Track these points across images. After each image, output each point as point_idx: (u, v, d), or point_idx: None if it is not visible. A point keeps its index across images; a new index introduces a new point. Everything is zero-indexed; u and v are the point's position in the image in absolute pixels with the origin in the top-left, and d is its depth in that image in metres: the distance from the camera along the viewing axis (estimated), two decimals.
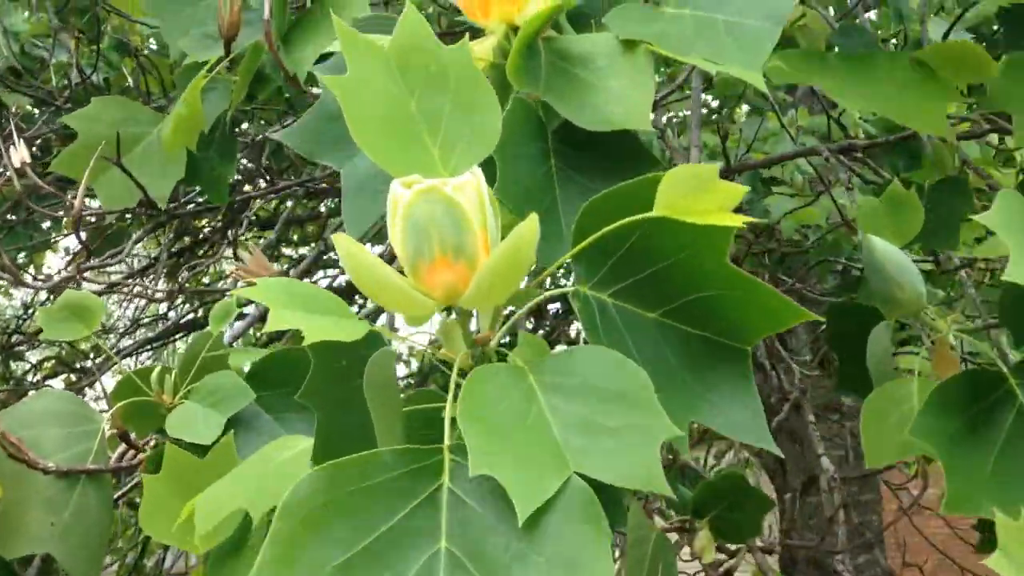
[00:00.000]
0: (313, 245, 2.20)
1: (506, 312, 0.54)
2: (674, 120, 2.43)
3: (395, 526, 0.42)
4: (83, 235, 1.09)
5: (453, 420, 0.47)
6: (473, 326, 0.53)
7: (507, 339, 0.54)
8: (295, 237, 2.93)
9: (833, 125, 1.72)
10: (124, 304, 3.08)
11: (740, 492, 0.84)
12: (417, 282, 0.48)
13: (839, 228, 2.00)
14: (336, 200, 2.42)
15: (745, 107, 2.50)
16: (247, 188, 2.11)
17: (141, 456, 0.83)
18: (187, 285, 1.86)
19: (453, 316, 0.52)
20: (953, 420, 0.63)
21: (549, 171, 0.61)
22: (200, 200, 1.74)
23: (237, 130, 1.82)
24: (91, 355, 2.50)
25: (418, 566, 0.41)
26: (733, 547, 0.88)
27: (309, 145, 0.69)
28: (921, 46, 1.56)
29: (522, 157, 0.60)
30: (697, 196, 0.45)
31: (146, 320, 2.67)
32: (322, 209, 2.55)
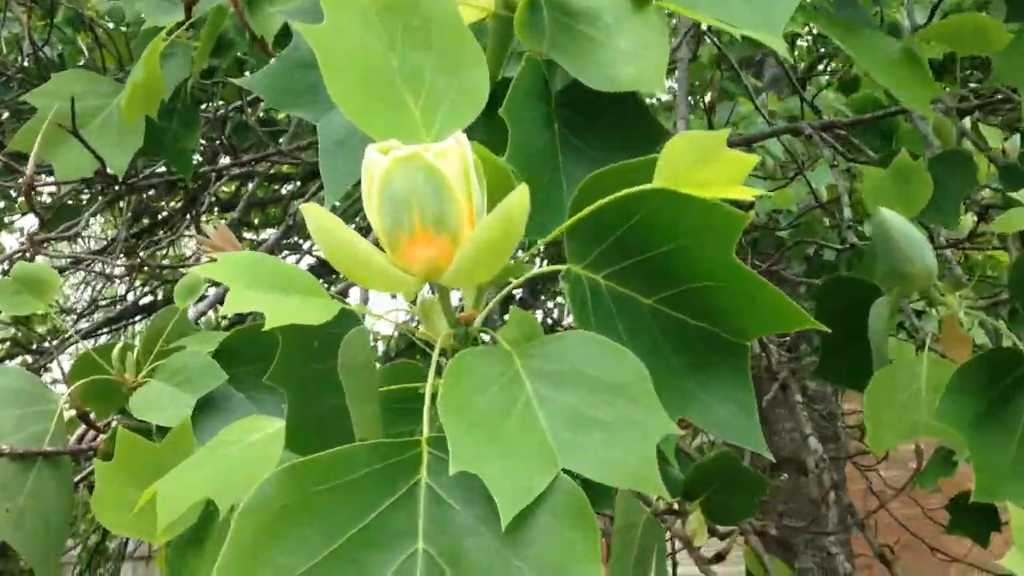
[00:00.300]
0: (277, 227, 2.14)
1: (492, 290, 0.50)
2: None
3: (368, 526, 0.39)
4: (37, 208, 1.04)
5: (433, 400, 0.43)
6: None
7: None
8: (256, 221, 2.87)
9: (806, 108, 1.70)
10: (81, 287, 3.01)
11: (733, 473, 0.81)
12: (396, 258, 0.45)
13: (813, 210, 1.99)
14: (299, 183, 2.36)
15: (708, 95, 2.48)
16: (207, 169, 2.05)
17: (102, 438, 0.79)
18: (147, 263, 1.80)
19: (433, 293, 0.49)
20: (975, 403, 0.61)
21: (553, 138, 0.58)
22: (160, 174, 1.68)
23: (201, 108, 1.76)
24: (48, 337, 2.43)
25: (393, 569, 0.38)
26: (725, 530, 0.86)
27: (279, 95, 0.64)
28: (899, 30, 1.54)
29: (529, 120, 0.56)
30: (702, 166, 0.41)
31: (104, 302, 2.61)
32: (284, 192, 2.50)
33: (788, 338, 2.18)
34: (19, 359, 2.40)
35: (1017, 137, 1.21)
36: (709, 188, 0.43)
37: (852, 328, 0.73)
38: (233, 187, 2.65)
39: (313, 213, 0.43)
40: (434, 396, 0.43)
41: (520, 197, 0.43)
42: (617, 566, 0.75)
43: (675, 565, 1.48)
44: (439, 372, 0.45)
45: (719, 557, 0.86)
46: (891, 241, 0.67)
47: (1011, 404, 0.62)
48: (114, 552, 2.63)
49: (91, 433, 0.81)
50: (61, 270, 2.31)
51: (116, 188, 1.39)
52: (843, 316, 0.75)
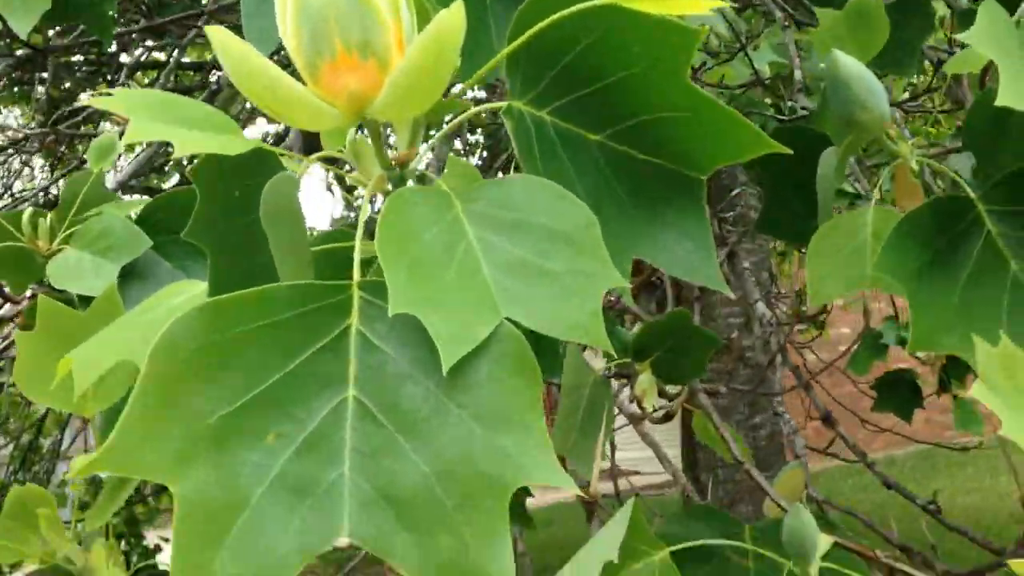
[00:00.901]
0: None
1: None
2: None
3: (294, 372, 0.36)
4: None
5: (365, 262, 0.40)
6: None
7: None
8: None
9: None
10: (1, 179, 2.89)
11: (684, 332, 0.80)
12: (318, 88, 0.40)
13: (753, 86, 1.95)
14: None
15: None
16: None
17: (18, 308, 0.74)
18: (60, 132, 1.70)
19: (362, 132, 0.45)
20: (919, 254, 0.58)
21: None
22: (73, 45, 1.58)
23: None
24: None
25: (321, 416, 0.35)
26: (674, 389, 0.85)
27: None
28: None
29: None
30: None
31: (28, 195, 2.49)
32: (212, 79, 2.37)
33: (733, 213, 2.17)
34: None
35: None
36: (666, 2, 0.39)
37: (798, 180, 0.71)
38: (155, 75, 2.52)
39: (219, 37, 0.39)
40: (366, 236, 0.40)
41: (454, 16, 0.38)
42: (564, 425, 0.74)
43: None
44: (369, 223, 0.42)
45: (667, 416, 0.86)
46: (844, 86, 0.63)
47: (957, 253, 0.60)
48: (48, 451, 2.58)
49: (7, 305, 0.76)
50: None
51: (26, 51, 1.29)
52: (788, 167, 0.73)
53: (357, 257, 0.40)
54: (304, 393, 0.35)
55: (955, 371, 2.01)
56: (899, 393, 1.94)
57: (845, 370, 2.16)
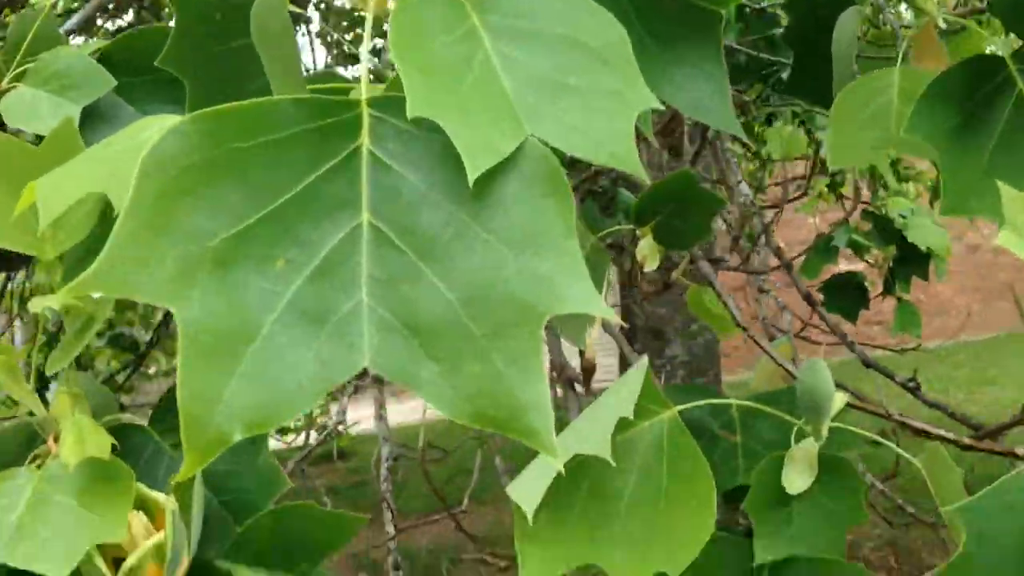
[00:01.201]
0: None
1: None
2: None
3: (302, 193, 0.32)
4: None
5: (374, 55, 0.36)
6: None
7: None
8: None
9: None
10: None
11: (687, 194, 0.76)
12: None
13: None
14: None
15: None
16: None
17: None
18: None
19: None
20: (950, 115, 0.56)
21: None
22: None
23: None
24: None
25: (335, 242, 0.32)
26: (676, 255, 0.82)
27: None
28: None
29: None
30: None
31: None
32: None
33: None
34: None
35: None
36: None
37: (822, 42, 0.67)
38: None
39: None
40: (375, 52, 0.36)
41: None
42: None
43: None
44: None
45: (667, 286, 0.84)
46: None
47: (987, 114, 0.57)
48: None
49: None
50: None
51: None
52: (815, 29, 0.70)
53: (364, 75, 0.36)
54: (314, 217, 0.32)
55: (901, 272, 2.03)
56: (847, 294, 1.96)
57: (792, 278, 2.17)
